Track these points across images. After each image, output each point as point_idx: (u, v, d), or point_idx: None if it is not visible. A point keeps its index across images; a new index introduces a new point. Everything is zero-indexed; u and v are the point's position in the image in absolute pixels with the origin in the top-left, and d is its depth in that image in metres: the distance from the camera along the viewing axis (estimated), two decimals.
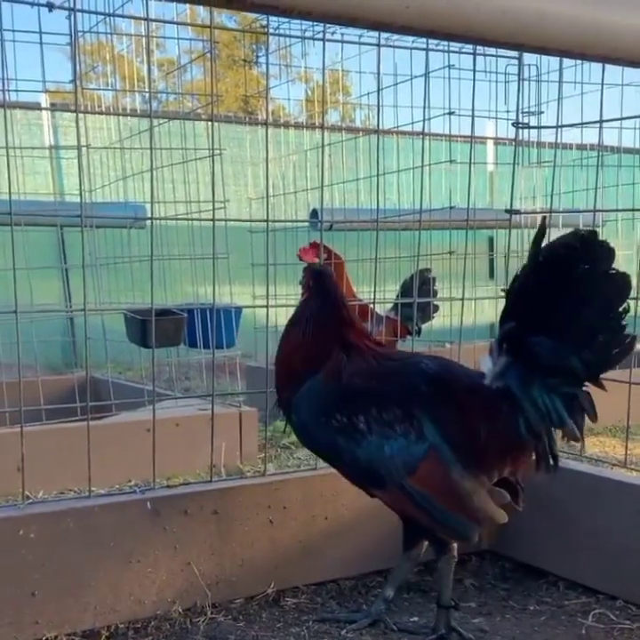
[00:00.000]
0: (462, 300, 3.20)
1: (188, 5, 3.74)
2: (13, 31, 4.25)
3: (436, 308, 5.26)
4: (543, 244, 1.97)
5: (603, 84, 2.82)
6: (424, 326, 5.34)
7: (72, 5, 3.12)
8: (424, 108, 3.17)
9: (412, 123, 4.49)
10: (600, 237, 1.94)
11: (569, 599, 2.50)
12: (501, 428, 2.05)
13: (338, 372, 2.15)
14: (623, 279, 1.94)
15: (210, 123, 3.23)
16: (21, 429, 2.22)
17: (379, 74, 3.01)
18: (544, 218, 2.01)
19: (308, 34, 4.67)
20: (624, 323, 1.96)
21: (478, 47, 3.24)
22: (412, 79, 4.41)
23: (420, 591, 2.59)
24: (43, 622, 2.18)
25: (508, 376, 2.05)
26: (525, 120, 4.88)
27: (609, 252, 1.93)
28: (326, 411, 2.10)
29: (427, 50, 3.04)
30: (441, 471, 2.04)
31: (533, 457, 2.09)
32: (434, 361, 2.25)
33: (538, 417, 2.02)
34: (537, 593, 2.57)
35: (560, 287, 1.95)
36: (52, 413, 3.55)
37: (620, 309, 1.94)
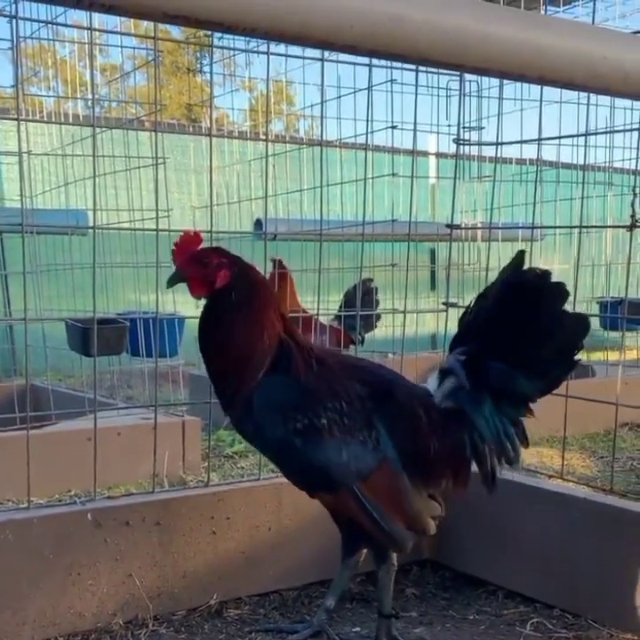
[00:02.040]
0: (404, 312, 3.24)
1: None
2: None
3: (379, 317, 5.31)
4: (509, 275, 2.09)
5: (542, 102, 2.90)
6: (367, 336, 5.39)
7: (14, 12, 3.10)
8: (367, 120, 3.21)
9: (356, 135, 4.53)
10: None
11: (508, 608, 2.54)
12: (449, 445, 2.12)
13: (297, 371, 2.10)
14: (586, 320, 2.08)
15: (153, 131, 3.22)
16: None
17: (322, 87, 3.03)
18: (522, 252, 2.10)
19: (251, 45, 4.69)
20: (577, 359, 2.08)
21: None
22: (355, 92, 4.47)
23: (363, 601, 2.60)
24: None
25: (459, 397, 2.13)
26: (466, 135, 4.97)
27: (567, 293, 2.06)
28: (287, 410, 2.07)
29: (370, 65, 3.07)
30: (390, 481, 2.08)
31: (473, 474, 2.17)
32: (383, 370, 2.31)
33: (488, 437, 2.10)
34: (477, 602, 2.60)
35: (526, 319, 2.04)
36: None
37: (578, 347, 2.07)
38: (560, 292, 2.04)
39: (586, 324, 2.07)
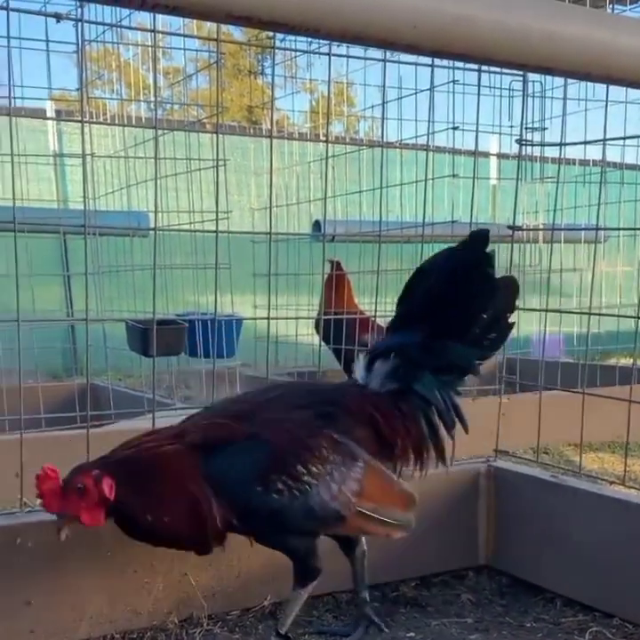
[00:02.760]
0: (515, 324, 3.19)
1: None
2: (20, 39, 4.27)
3: None
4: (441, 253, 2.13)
5: (607, 102, 2.84)
6: None
7: (80, 16, 3.15)
8: (428, 121, 3.18)
9: (416, 136, 4.51)
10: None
11: (566, 616, 2.48)
12: (408, 425, 2.11)
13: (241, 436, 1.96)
14: (514, 282, 2.14)
15: (214, 133, 3.24)
16: (21, 436, 2.22)
17: (384, 88, 3.02)
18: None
19: (313, 47, 4.69)
20: (511, 321, 2.13)
21: None
22: (416, 93, 4.43)
23: (417, 606, 2.58)
24: (38, 631, 2.16)
25: (401, 376, 2.12)
26: (529, 136, 4.90)
27: (493, 256, 2.08)
28: (258, 479, 1.91)
29: (432, 66, 3.05)
30: (378, 480, 2.08)
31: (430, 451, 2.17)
32: (302, 386, 2.34)
33: (441, 407, 2.13)
34: (534, 609, 2.55)
35: (456, 290, 2.06)
36: (51, 420, 3.55)
37: (511, 309, 2.12)
38: (486, 257, 2.05)
39: (515, 287, 2.12)
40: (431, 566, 2.78)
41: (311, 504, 1.95)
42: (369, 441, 2.07)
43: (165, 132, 4.21)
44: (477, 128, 3.11)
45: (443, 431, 2.15)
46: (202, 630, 2.33)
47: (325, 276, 5.07)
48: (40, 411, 3.43)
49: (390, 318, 2.24)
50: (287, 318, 5.01)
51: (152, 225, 2.61)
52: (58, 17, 3.73)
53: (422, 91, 4.32)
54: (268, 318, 2.80)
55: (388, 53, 3.13)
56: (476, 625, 2.45)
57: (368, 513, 2.03)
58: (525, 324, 5.42)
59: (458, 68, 3.86)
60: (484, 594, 2.68)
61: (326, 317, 4.65)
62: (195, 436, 1.94)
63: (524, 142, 3.30)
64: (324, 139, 4.54)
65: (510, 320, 2.13)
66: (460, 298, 2.06)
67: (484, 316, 2.08)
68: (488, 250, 2.05)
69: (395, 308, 2.20)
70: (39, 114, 6.39)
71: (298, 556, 2.09)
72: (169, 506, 1.89)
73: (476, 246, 2.06)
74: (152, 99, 4.94)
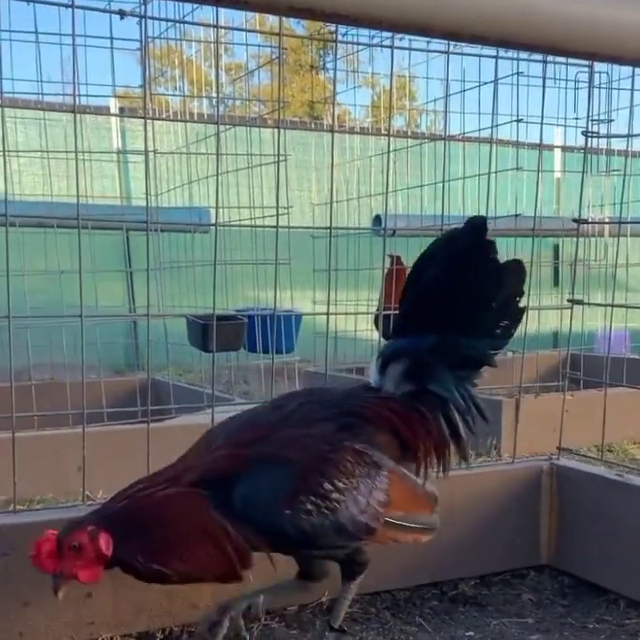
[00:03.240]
0: (526, 308, 3.14)
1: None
2: (85, 37, 4.33)
3: None
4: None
5: None
6: None
7: (143, 12, 3.18)
8: (492, 114, 3.14)
9: (480, 129, 4.45)
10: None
11: (630, 618, 2.43)
12: (429, 426, 2.05)
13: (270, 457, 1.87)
14: (520, 264, 2.04)
15: (276, 128, 3.24)
16: (83, 431, 2.25)
17: (447, 81, 2.99)
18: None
19: (375, 40, 4.66)
20: (522, 305, 2.06)
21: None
22: (480, 86, 4.38)
23: (477, 605, 2.56)
24: (98, 623, 2.20)
25: (417, 377, 2.05)
26: (595, 127, 4.80)
27: (494, 241, 2.02)
28: (286, 501, 1.83)
29: (496, 57, 3.00)
30: (404, 488, 2.01)
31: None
32: (319, 394, 2.16)
33: (461, 406, 2.06)
34: (597, 610, 2.51)
35: (463, 282, 1.99)
36: (113, 415, 3.60)
37: (520, 294, 2.04)
38: (488, 243, 1.99)
39: (522, 270, 2.03)
40: (491, 565, 2.75)
41: (342, 520, 1.88)
42: (391, 446, 2.01)
43: (227, 127, 4.23)
44: (542, 120, 3.06)
45: (463, 428, 2.08)
46: (259, 625, 2.34)
47: (385, 271, 5.04)
48: (102, 405, 3.48)
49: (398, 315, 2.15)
50: (346, 314, 4.99)
51: (213, 221, 2.61)
52: (122, 14, 3.76)
53: (486, 83, 4.27)
54: (328, 314, 2.80)
55: (452, 45, 3.08)
56: (537, 625, 2.42)
57: (397, 522, 1.98)
58: (590, 320, 5.33)
59: (522, 60, 3.79)
60: (546, 594, 2.64)
61: (386, 313, 4.61)
62: (193, 475, 1.84)
63: (590, 134, 3.22)
64: (386, 133, 4.51)
65: (520, 305, 2.06)
66: (467, 288, 2.00)
67: (494, 305, 2.02)
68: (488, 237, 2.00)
69: (400, 303, 2.12)
70: (103, 111, 6.50)
71: (338, 560, 2.07)
72: (178, 549, 1.79)
73: (476, 233, 1.99)
74: (214, 95, 4.99)
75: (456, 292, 2.00)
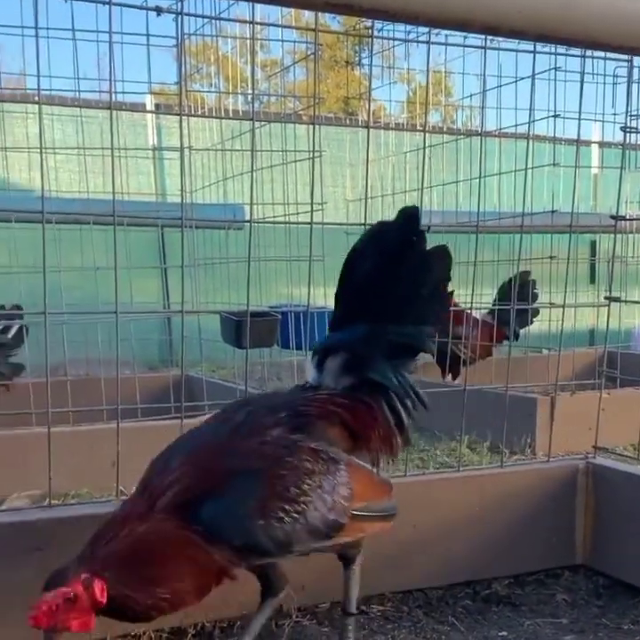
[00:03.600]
0: (563, 306, 3.12)
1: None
2: (121, 33, 4.36)
3: (537, 312, 5.15)
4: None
5: None
6: (522, 331, 5.24)
7: (179, 9, 3.18)
8: (530, 110, 3.11)
9: (516, 125, 4.42)
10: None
11: None
12: (375, 415, 2.05)
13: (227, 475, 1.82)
14: (445, 249, 2.08)
15: (311, 125, 3.24)
16: (117, 426, 2.27)
17: (483, 76, 2.96)
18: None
19: (411, 36, 4.64)
20: (450, 290, 2.12)
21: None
22: (516, 81, 4.34)
23: (510, 605, 2.54)
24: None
25: (355, 370, 2.05)
26: (633, 123, 4.73)
27: (424, 230, 2.04)
28: (257, 513, 1.79)
29: (534, 52, 2.96)
30: (363, 478, 2.01)
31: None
32: (260, 401, 2.13)
33: (402, 393, 2.07)
34: (632, 611, 2.48)
35: (395, 273, 2.02)
36: (146, 411, 3.62)
37: (446, 279, 2.08)
38: (419, 234, 2.01)
39: (447, 255, 2.07)
40: (525, 564, 2.74)
41: (312, 521, 1.85)
42: (342, 440, 2.00)
43: (262, 124, 4.23)
44: (580, 116, 3.02)
45: (405, 415, 2.09)
46: (291, 622, 2.34)
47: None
48: (136, 401, 3.50)
49: (334, 309, 2.16)
50: None
51: (247, 217, 2.62)
52: (158, 10, 3.78)
53: (523, 78, 4.23)
54: None
55: (489, 40, 3.05)
56: (571, 626, 2.40)
57: (362, 513, 1.97)
58: (627, 317, 5.26)
59: (560, 54, 3.75)
60: (580, 594, 2.62)
61: None
62: (163, 501, 1.77)
63: (628, 129, 3.18)
64: (421, 129, 4.49)
65: (449, 289, 2.11)
66: (396, 278, 2.02)
67: (423, 292, 2.04)
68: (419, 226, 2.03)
69: (335, 299, 2.14)
70: (139, 108, 6.54)
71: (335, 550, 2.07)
72: (172, 583, 1.74)
73: (408, 224, 2.02)
74: (249, 91, 4.99)
75: (386, 283, 2.03)
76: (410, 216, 2.04)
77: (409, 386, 2.10)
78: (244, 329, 3.19)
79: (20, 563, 2.11)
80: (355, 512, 1.94)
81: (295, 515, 1.82)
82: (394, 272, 2.03)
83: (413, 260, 2.04)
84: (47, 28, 4.18)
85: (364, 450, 2.06)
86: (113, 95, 2.64)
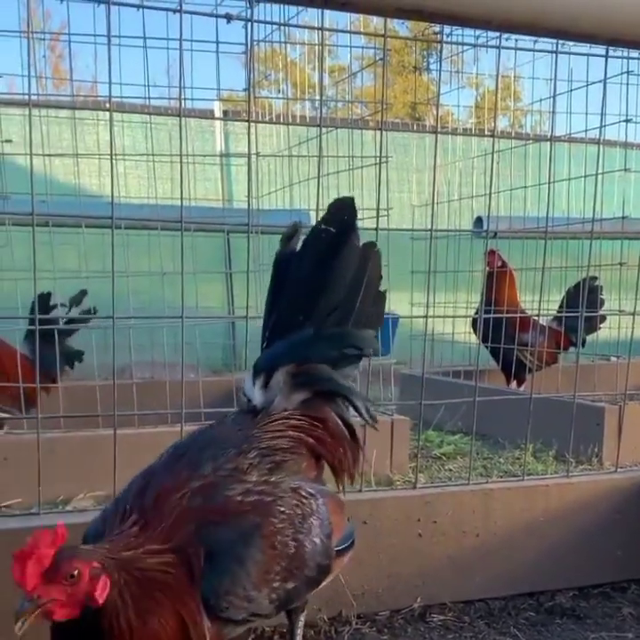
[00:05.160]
0: (633, 313, 3.05)
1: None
2: (192, 41, 4.42)
3: (603, 319, 5.05)
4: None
5: None
6: (588, 337, 5.15)
7: (249, 16, 3.21)
8: (601, 114, 3.06)
9: (586, 130, 4.35)
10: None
11: None
12: (332, 432, 1.95)
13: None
14: (374, 246, 1.98)
15: (378, 130, 3.23)
16: (181, 430, 2.30)
17: (554, 80, 2.93)
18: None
19: (480, 40, 4.60)
20: (383, 289, 1.99)
21: None
22: (587, 85, 4.27)
23: (574, 617, 2.50)
24: None
25: (304, 385, 1.91)
26: None
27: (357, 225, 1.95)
28: (260, 581, 1.62)
29: (606, 56, 2.91)
30: (336, 506, 1.87)
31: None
32: (210, 436, 1.90)
33: (353, 400, 1.97)
34: None
35: (331, 275, 1.91)
36: (210, 415, 3.64)
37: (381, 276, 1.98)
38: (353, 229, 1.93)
39: (378, 252, 1.98)
40: (590, 577, 2.69)
41: (310, 573, 1.72)
42: (311, 468, 1.89)
43: (329, 130, 4.25)
44: None
45: (358, 423, 2.01)
46: (350, 629, 2.34)
47: (486, 272, 4.99)
48: (200, 404, 3.53)
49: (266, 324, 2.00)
50: (445, 317, 4.95)
51: (313, 223, 2.63)
52: (228, 18, 3.82)
53: (594, 82, 4.16)
54: (426, 317, 2.77)
55: (559, 44, 3.01)
56: None
57: (339, 547, 1.85)
58: None
59: (632, 58, 3.68)
60: None
61: (486, 316, 4.56)
62: (190, 545, 1.57)
63: None
64: (489, 134, 4.45)
65: (382, 289, 1.99)
66: (337, 281, 1.91)
67: (365, 292, 1.93)
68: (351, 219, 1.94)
69: (265, 309, 2.00)
70: (207, 114, 6.62)
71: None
72: (156, 625, 1.52)
73: (343, 219, 1.93)
74: (317, 97, 5.01)
75: (327, 286, 1.91)
76: (344, 208, 1.95)
77: (361, 394, 2.01)
78: None
79: None
80: (336, 548, 1.83)
81: (296, 571, 1.69)
82: (332, 273, 1.91)
83: (351, 258, 1.92)
84: (119, 36, 4.27)
85: (320, 473, 1.94)
86: (182, 102, 2.68)
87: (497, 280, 4.99)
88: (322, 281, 1.92)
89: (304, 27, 4.71)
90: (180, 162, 2.45)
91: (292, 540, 1.68)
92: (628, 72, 3.81)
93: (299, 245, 1.99)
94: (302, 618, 1.95)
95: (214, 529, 1.60)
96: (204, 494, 1.64)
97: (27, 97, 2.64)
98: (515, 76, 5.61)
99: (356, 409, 1.99)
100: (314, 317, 1.91)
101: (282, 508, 1.69)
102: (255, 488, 1.69)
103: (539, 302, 3.18)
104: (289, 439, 1.84)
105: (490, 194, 2.91)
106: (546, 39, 3.29)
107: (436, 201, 2.92)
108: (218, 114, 6.70)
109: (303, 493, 1.76)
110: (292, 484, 1.76)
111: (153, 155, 4.92)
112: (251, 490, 1.68)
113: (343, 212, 1.95)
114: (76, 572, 1.43)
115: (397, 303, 4.51)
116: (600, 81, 3.03)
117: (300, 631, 1.95)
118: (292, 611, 1.90)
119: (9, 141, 4.38)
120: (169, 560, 1.55)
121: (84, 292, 4.06)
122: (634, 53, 3.42)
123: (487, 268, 4.91)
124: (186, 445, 1.82)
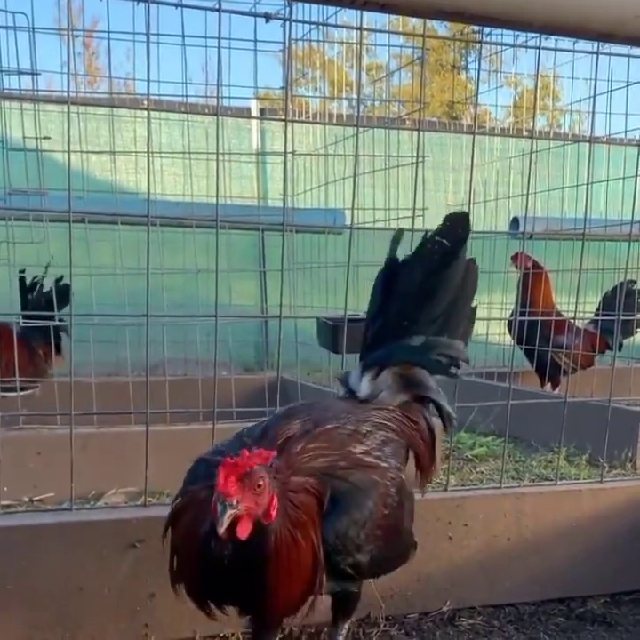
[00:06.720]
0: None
1: None
2: (230, 39, 4.43)
3: None
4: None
5: None
6: (625, 341, 5.10)
7: (288, 15, 3.21)
8: None
9: (626, 131, 4.30)
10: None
11: None
12: (423, 434, 2.06)
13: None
14: (476, 265, 2.07)
15: (415, 130, 3.22)
16: (213, 427, 2.31)
17: (595, 81, 2.89)
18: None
19: (520, 40, 4.57)
20: (474, 305, 2.12)
21: None
22: (628, 86, 4.22)
23: (605, 624, 2.48)
24: (224, 619, 2.17)
25: (408, 387, 2.05)
26: None
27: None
28: (368, 537, 1.72)
29: None
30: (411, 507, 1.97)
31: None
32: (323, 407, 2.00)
33: (448, 414, 2.10)
34: None
35: (445, 285, 2.02)
36: (242, 413, 3.65)
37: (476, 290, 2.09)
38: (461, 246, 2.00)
39: (476, 269, 2.07)
40: (623, 583, 2.67)
41: (400, 547, 1.91)
42: (405, 462, 1.99)
43: (365, 129, 4.24)
44: None
45: (443, 433, 2.14)
46: (378, 631, 2.34)
47: (521, 273, 4.95)
48: (232, 402, 3.54)
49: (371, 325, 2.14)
50: (479, 318, 4.91)
51: (348, 222, 2.62)
52: (267, 17, 3.83)
53: (634, 83, 4.11)
54: None
55: (600, 45, 2.97)
56: None
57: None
58: None
59: None
60: None
61: (521, 318, 4.53)
62: (320, 483, 1.68)
63: None
64: (527, 134, 4.41)
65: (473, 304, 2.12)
66: (444, 292, 2.02)
67: (467, 305, 2.07)
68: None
69: (369, 309, 2.12)
70: (244, 113, 6.64)
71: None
72: (303, 548, 1.61)
73: (457, 232, 2.01)
74: (354, 96, 5.00)
75: (439, 296, 2.02)
76: (458, 222, 2.02)
77: (451, 405, 2.11)
78: (340, 334, 3.20)
79: (115, 559, 2.17)
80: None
81: (393, 537, 1.81)
82: (439, 285, 2.02)
83: (458, 271, 2.02)
84: (157, 34, 4.29)
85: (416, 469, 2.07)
86: (220, 100, 2.69)
87: (532, 281, 4.95)
88: (431, 290, 2.03)
89: (342, 26, 4.70)
90: (217, 159, 2.46)
91: (398, 508, 1.80)
92: None
93: (399, 251, 2.11)
94: (347, 625, 2.01)
95: (339, 475, 1.72)
96: (329, 442, 1.77)
97: (65, 94, 2.66)
98: (554, 76, 5.56)
99: (443, 419, 2.11)
100: (419, 324, 2.03)
101: (393, 477, 1.81)
102: (372, 452, 1.83)
103: (575, 304, 3.14)
104: (397, 425, 1.96)
105: (527, 194, 2.89)
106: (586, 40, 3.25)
107: (472, 201, 2.90)
108: (255, 112, 6.71)
109: (404, 476, 1.88)
110: (396, 464, 1.87)
111: (189, 152, 4.95)
112: (369, 452, 1.82)
113: (458, 225, 2.03)
114: (261, 482, 1.51)
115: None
116: None
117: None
118: (340, 611, 1.97)
119: (47, 138, 4.42)
120: (309, 488, 1.65)
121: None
122: None
123: (521, 270, 4.88)
124: (302, 408, 1.94)
